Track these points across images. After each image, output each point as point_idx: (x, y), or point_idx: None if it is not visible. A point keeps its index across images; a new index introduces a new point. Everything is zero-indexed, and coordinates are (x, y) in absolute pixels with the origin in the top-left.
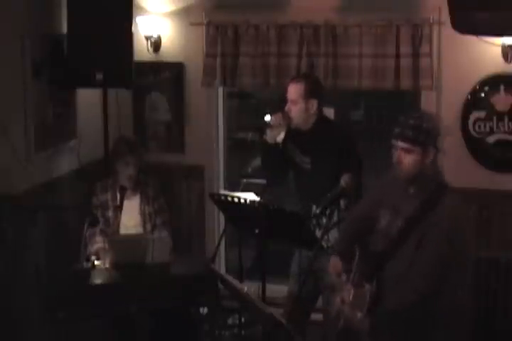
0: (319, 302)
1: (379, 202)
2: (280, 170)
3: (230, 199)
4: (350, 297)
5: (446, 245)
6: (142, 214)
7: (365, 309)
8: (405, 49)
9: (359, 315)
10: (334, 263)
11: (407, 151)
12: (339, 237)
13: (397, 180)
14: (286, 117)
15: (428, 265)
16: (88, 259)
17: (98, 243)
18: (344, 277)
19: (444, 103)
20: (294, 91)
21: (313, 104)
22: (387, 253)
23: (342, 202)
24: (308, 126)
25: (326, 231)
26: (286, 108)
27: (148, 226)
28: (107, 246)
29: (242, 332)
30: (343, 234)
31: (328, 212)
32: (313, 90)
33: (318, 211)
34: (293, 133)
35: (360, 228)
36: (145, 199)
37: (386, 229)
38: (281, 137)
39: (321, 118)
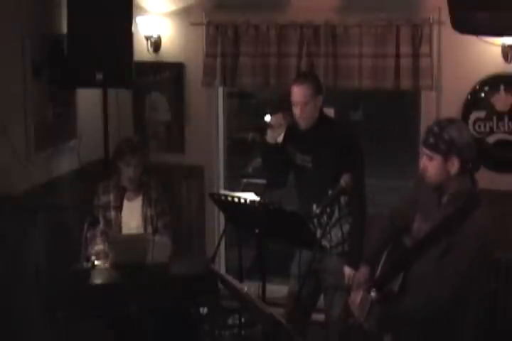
0: (321, 303)
1: (415, 203)
2: (281, 170)
3: (230, 199)
4: (358, 300)
5: (471, 260)
6: (144, 216)
7: (365, 314)
8: (405, 49)
9: (362, 318)
10: (363, 273)
11: (429, 158)
12: (374, 245)
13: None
14: (287, 117)
15: (449, 276)
16: (88, 259)
17: (99, 244)
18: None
19: (444, 103)
20: (302, 93)
21: (320, 99)
22: (411, 256)
23: (342, 199)
24: (309, 124)
25: (326, 230)
26: (296, 112)
27: (150, 229)
28: (107, 248)
29: (242, 332)
30: (377, 241)
31: (328, 211)
32: (318, 87)
33: (318, 211)
34: (293, 132)
35: (395, 228)
36: (147, 202)
37: (416, 233)
38: (281, 137)
39: (321, 116)
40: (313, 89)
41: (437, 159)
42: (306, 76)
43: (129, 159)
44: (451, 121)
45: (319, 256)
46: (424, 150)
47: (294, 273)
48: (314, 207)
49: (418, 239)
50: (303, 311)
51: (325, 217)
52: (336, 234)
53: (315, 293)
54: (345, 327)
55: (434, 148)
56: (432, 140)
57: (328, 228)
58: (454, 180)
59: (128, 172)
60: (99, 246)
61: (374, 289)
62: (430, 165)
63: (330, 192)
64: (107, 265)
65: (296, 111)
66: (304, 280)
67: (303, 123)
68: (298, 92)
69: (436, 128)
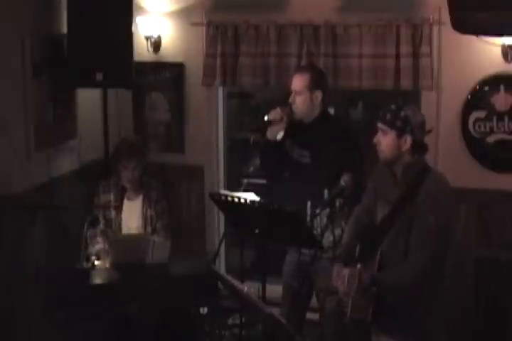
0: (315, 302)
1: (374, 193)
2: (279, 167)
3: (230, 199)
4: (346, 277)
5: (433, 218)
6: (144, 216)
7: (355, 286)
8: (405, 49)
9: (352, 292)
10: (338, 271)
11: (384, 133)
12: (345, 243)
13: (385, 170)
14: (285, 110)
15: (420, 239)
16: (88, 259)
17: (99, 244)
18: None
19: (444, 103)
20: (299, 81)
21: (318, 95)
22: (379, 232)
23: (337, 202)
24: (311, 119)
25: (323, 231)
26: (291, 99)
27: (149, 229)
28: (107, 247)
29: (242, 332)
30: (347, 239)
31: (328, 211)
32: (318, 81)
33: (318, 211)
34: (294, 126)
35: (361, 225)
36: (147, 202)
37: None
38: (281, 135)
39: (324, 112)
40: (312, 81)
41: (391, 135)
42: (309, 67)
43: (126, 163)
44: (406, 102)
45: (310, 260)
46: (381, 126)
47: (287, 275)
48: (309, 204)
49: (383, 216)
50: (298, 311)
51: (325, 218)
52: (327, 237)
53: (308, 293)
54: (339, 327)
55: (390, 124)
56: (388, 116)
57: (326, 229)
58: (403, 155)
59: (126, 174)
60: (99, 246)
61: (359, 263)
62: (384, 140)
63: (330, 193)
64: (107, 265)
65: (291, 99)
66: (299, 281)
67: (297, 113)
68: (295, 80)
69: (393, 106)
